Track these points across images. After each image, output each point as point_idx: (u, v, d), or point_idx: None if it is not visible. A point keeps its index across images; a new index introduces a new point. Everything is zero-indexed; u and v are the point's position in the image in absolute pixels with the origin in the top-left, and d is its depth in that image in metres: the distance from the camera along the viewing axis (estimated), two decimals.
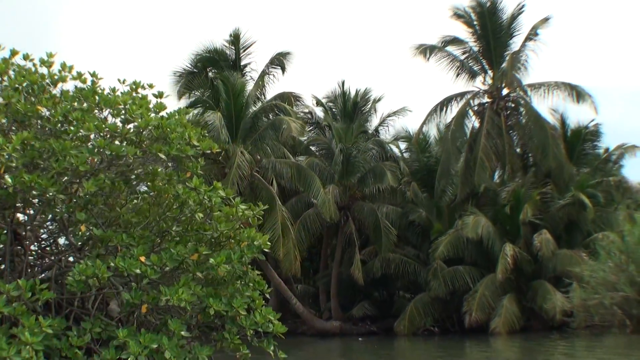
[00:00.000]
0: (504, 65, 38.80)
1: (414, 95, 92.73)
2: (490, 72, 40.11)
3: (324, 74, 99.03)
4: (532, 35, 39.13)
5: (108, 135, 17.01)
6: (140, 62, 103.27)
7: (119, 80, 18.86)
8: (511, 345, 29.50)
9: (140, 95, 18.56)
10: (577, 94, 38.54)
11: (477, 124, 39.88)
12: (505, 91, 40.11)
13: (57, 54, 18.03)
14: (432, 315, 36.37)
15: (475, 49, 40.38)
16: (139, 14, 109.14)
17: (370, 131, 45.11)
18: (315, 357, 29.17)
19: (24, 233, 18.02)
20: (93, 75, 18.23)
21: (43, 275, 17.83)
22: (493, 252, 34.81)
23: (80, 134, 16.50)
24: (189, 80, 40.60)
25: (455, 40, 40.68)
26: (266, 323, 17.86)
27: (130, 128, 17.31)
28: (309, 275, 46.42)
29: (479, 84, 40.93)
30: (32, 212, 17.84)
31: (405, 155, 45.14)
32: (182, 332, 16.20)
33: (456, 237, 35.66)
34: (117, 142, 17.38)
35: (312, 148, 43.50)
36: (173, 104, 41.62)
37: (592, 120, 40.41)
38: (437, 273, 35.63)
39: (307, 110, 44.68)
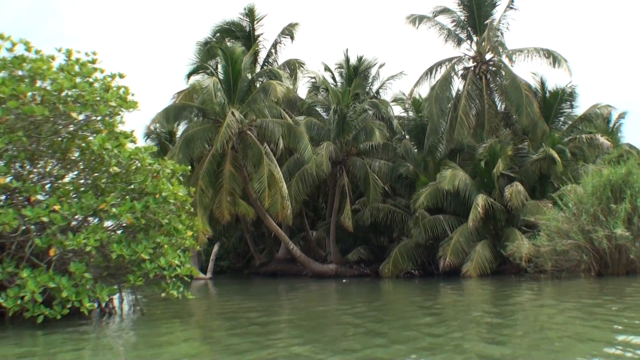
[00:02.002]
0: (485, 33, 37.49)
1: (416, 61, 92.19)
2: (475, 39, 38.85)
3: (339, 43, 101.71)
4: (511, 4, 37.79)
5: (25, 98, 16.97)
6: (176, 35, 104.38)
7: (56, 48, 18.83)
8: (476, 287, 28.74)
9: (78, 62, 18.51)
10: (554, 58, 37.09)
11: (462, 87, 38.68)
12: (488, 56, 38.77)
13: None
14: (414, 259, 35.79)
15: (462, 18, 39.09)
16: None
17: (371, 94, 44.42)
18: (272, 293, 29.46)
19: None
20: (26, 44, 18.14)
21: None
22: (470, 202, 33.96)
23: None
24: (208, 49, 40.57)
25: (445, 10, 39.41)
26: (172, 267, 17.78)
27: (50, 91, 17.19)
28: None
29: (465, 49, 39.66)
30: None
31: (403, 115, 44.14)
32: (85, 274, 16.24)
33: (436, 188, 34.95)
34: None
35: (318, 109, 42.93)
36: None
37: (569, 83, 38.79)
38: (418, 221, 35.10)
39: (312, 75, 44.27)
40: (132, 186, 18.12)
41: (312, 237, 43.95)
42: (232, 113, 31.86)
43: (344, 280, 35.17)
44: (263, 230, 46.64)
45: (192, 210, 20.26)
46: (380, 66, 44.86)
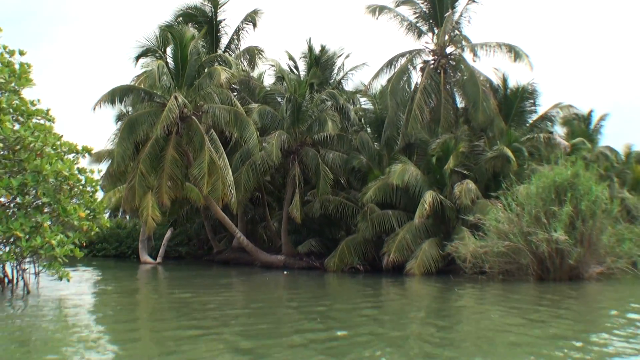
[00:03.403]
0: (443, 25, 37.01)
1: (384, 52, 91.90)
2: (436, 31, 38.35)
3: (306, 32, 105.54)
4: None
5: None
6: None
7: None
8: (409, 286, 28.42)
9: None
10: (516, 53, 36.65)
11: (419, 80, 38.18)
12: (449, 50, 38.26)
13: None
14: (361, 254, 35.41)
15: (425, 9, 38.62)
16: None
17: (334, 84, 44.00)
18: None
19: None
20: None
21: None
22: (420, 199, 33.44)
23: None
24: (167, 34, 40.07)
25: (408, 1, 39.02)
26: (48, 247, 17.47)
27: None
28: None
29: (426, 42, 39.31)
30: None
31: (369, 107, 43.54)
32: None
33: (385, 183, 34.51)
34: None
35: (278, 98, 42.25)
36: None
37: (531, 80, 38.32)
38: (366, 216, 34.70)
39: (271, 63, 43.78)
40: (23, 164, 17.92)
41: (272, 227, 43.70)
42: (175, 97, 31.47)
43: (284, 272, 34.82)
44: None
45: (97, 190, 20.05)
46: (346, 57, 44.68)
